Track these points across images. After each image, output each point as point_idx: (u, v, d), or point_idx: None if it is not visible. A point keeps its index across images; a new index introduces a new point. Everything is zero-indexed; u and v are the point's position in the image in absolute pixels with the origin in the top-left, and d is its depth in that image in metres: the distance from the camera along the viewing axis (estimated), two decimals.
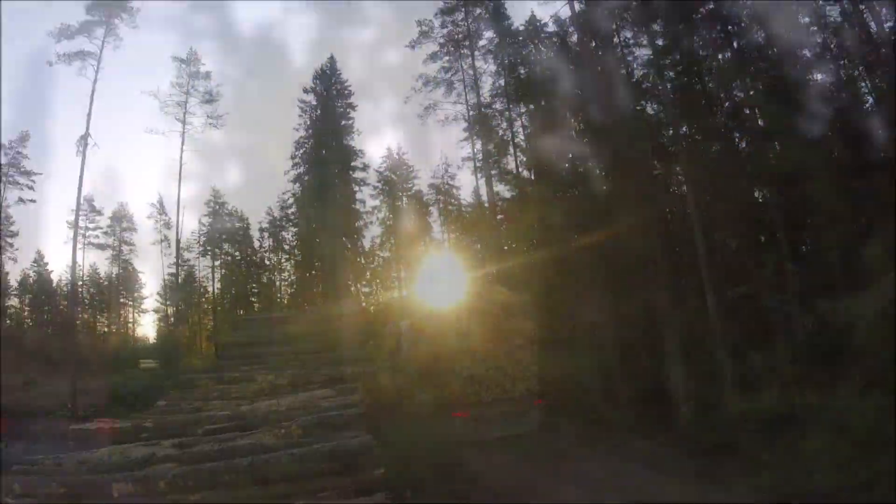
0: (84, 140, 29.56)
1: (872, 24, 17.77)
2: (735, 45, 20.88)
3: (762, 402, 12.67)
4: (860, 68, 19.43)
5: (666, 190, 23.53)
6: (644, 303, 19.47)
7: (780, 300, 12.10)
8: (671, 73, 23.11)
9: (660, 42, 23.50)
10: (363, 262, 57.17)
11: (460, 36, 37.82)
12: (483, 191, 39.18)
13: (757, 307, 12.82)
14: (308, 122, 51.16)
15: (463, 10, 37.50)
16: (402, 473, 11.94)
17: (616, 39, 28.93)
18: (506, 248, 33.11)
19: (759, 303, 12.48)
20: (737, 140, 21.46)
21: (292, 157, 51.46)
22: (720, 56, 22.09)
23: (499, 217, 35.93)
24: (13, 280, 59.44)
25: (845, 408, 11.52)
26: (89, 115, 30.31)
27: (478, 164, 39.03)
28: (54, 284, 62.89)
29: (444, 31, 38.30)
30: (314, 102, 51.54)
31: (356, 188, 52.83)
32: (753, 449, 12.30)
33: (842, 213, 15.91)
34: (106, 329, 65.05)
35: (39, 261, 61.61)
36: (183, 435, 9.84)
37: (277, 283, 63.82)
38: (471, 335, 16.21)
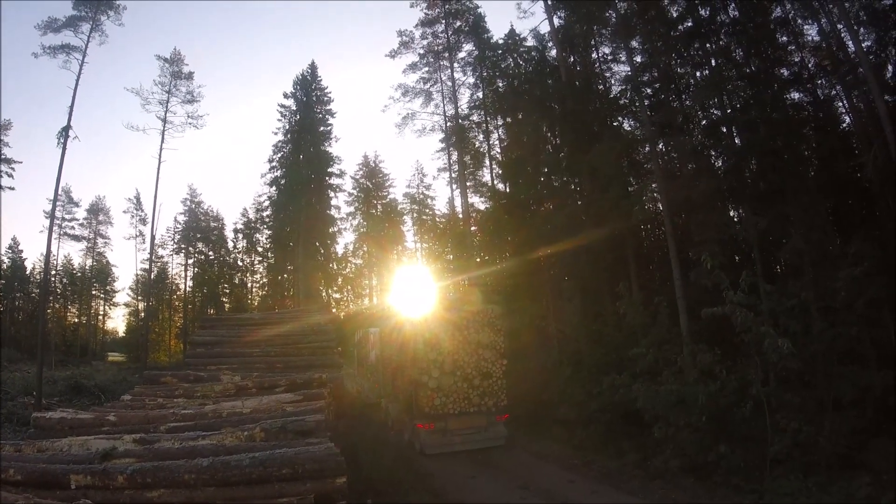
0: (65, 132, 29.09)
1: (850, 44, 17.85)
2: (713, 62, 20.90)
3: (733, 424, 12.46)
4: (837, 87, 19.52)
5: (641, 207, 23.43)
6: (617, 319, 19.29)
7: (754, 321, 11.81)
8: (648, 90, 23.07)
9: (638, 59, 23.51)
10: (335, 267, 57.14)
11: (440, 47, 37.85)
12: (458, 202, 39.12)
13: (730, 328, 12.54)
14: (287, 127, 51.27)
15: (443, 22, 37.57)
16: (364, 483, 11.64)
17: (594, 55, 28.98)
18: (479, 259, 32.88)
19: (731, 323, 12.18)
20: (713, 158, 21.42)
21: (269, 161, 51.56)
22: (697, 74, 22.14)
23: (473, 228, 35.70)
24: None
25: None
26: (71, 107, 29.83)
27: (453, 175, 38.88)
28: (27, 272, 62.98)
29: (425, 42, 38.40)
30: (293, 107, 51.53)
31: (332, 194, 53.08)
32: (722, 473, 12.09)
33: (817, 233, 15.85)
34: (76, 320, 65.41)
35: (14, 247, 61.83)
36: (145, 431, 9.48)
37: (249, 285, 63.94)
38: (440, 346, 15.96)
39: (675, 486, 12.32)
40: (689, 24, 20.95)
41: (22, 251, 62.84)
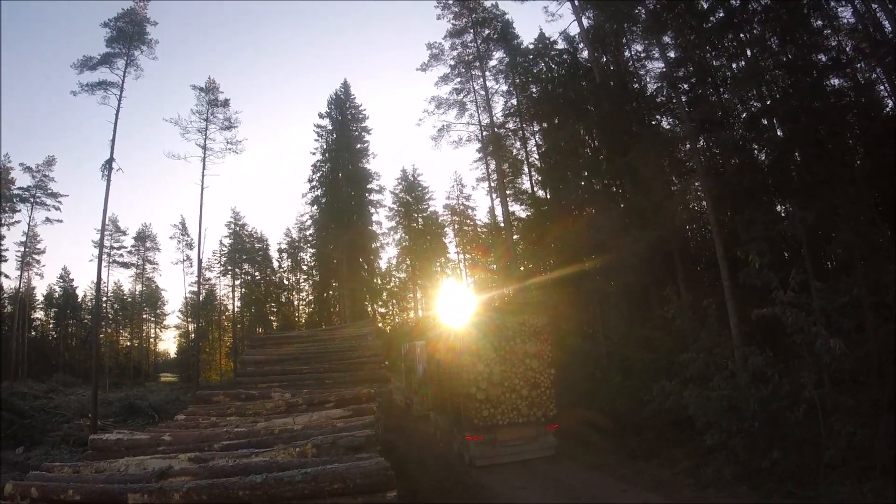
0: (108, 165, 30.28)
1: (887, 24, 17.22)
2: (748, 53, 20.36)
3: (787, 429, 12.03)
4: (878, 70, 18.74)
5: (685, 207, 22.92)
6: (665, 324, 18.88)
7: (805, 321, 11.40)
8: (685, 86, 22.55)
9: (672, 54, 23.03)
10: (380, 282, 57.61)
11: (470, 57, 37.77)
12: (498, 211, 39.06)
13: (781, 328, 12.13)
14: (324, 146, 52.17)
15: (472, 31, 37.50)
16: (415, 496, 11.66)
17: (627, 53, 28.59)
18: (522, 268, 32.65)
19: (783, 324, 11.78)
20: (756, 152, 20.83)
21: (309, 180, 52.60)
22: (734, 66, 21.58)
23: (515, 237, 35.44)
24: (39, 294, 63.55)
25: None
26: (113, 140, 31.05)
27: (492, 185, 38.75)
28: (79, 300, 66.57)
29: (455, 52, 38.35)
30: (329, 127, 52.36)
31: (372, 210, 53.80)
32: (775, 480, 11.67)
33: (866, 225, 15.24)
34: (128, 343, 68.39)
35: (65, 277, 65.95)
36: (200, 449, 9.85)
37: (296, 303, 65.13)
38: (487, 357, 15.89)
39: (729, 494, 11.97)
40: (721, 14, 20.49)
41: (73, 280, 66.89)
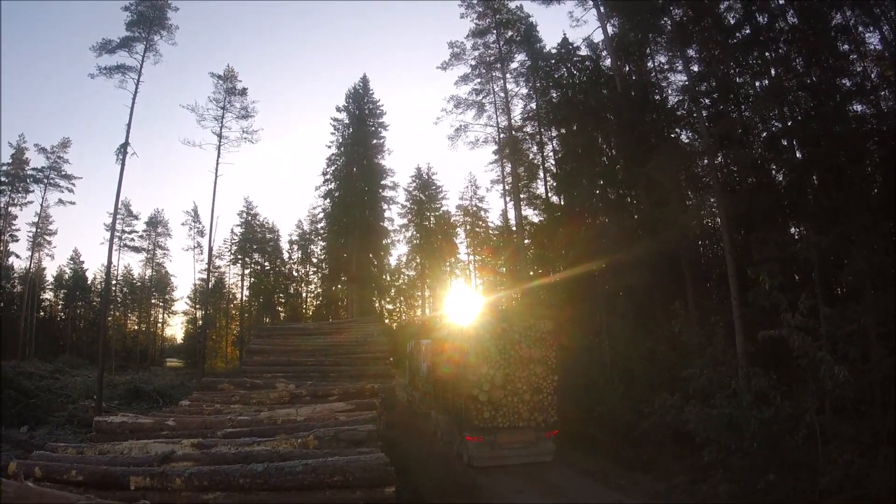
0: (123, 149, 30.36)
1: None
2: (772, 72, 20.24)
3: (785, 452, 11.99)
4: None
5: (699, 222, 22.82)
6: (671, 338, 18.83)
7: (811, 346, 11.34)
8: (706, 101, 22.47)
9: (695, 68, 22.94)
10: (388, 279, 57.69)
11: (492, 58, 37.78)
12: (511, 214, 38.96)
13: (787, 351, 12.07)
14: (340, 140, 52.04)
15: (495, 32, 37.46)
16: (413, 493, 11.77)
17: (650, 64, 28.49)
18: (532, 273, 32.65)
19: (788, 347, 11.72)
20: (773, 172, 20.73)
21: (323, 174, 52.44)
22: (757, 84, 21.48)
23: (526, 241, 35.41)
24: (49, 275, 63.95)
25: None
26: (129, 125, 31.04)
27: (507, 188, 38.69)
28: (89, 282, 67.08)
29: (476, 53, 38.36)
30: (346, 121, 52.30)
31: (385, 206, 53.72)
32: (770, 502, 11.63)
33: (879, 255, 15.14)
34: (136, 327, 69.23)
35: (76, 259, 66.33)
36: (203, 436, 9.90)
37: (304, 295, 65.31)
38: (491, 360, 15.95)
39: None
40: (747, 31, 20.43)
41: (83, 262, 67.34)
